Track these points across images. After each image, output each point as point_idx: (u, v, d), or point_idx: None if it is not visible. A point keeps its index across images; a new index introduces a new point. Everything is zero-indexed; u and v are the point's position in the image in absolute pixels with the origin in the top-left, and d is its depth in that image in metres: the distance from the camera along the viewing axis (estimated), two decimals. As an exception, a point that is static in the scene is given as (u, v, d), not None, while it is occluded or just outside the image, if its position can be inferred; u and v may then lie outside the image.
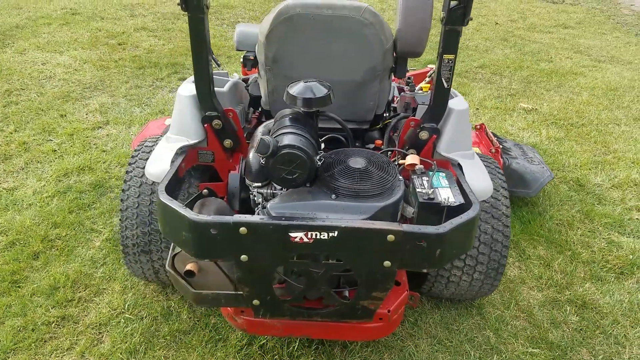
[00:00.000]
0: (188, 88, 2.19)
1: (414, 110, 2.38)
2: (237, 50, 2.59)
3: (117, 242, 2.95)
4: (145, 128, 3.55)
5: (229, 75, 2.53)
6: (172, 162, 2.01)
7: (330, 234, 1.58)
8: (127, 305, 2.53)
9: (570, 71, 6.34)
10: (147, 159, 2.35)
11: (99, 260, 2.83)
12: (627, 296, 2.76)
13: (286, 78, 2.24)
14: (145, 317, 2.46)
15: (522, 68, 6.37)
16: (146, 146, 2.45)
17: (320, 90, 1.84)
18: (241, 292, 1.84)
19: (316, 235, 1.58)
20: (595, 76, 6.21)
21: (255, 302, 1.85)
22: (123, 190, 2.28)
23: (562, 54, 7.06)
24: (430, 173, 1.98)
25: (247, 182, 1.99)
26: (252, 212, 2.30)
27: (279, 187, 1.94)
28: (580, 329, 2.54)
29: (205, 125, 2.14)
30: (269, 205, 1.72)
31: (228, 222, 1.57)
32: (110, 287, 2.65)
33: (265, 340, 2.34)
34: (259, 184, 1.96)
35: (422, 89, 3.02)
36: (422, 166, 2.01)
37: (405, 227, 1.58)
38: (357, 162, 1.84)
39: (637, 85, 5.98)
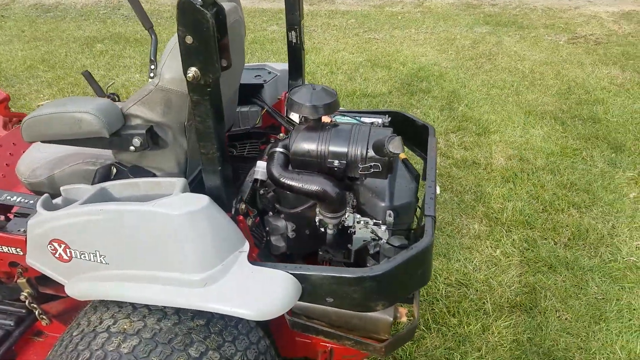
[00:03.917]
0: (193, 203, 1.34)
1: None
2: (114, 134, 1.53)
3: None
4: None
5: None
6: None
7: None
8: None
9: None
10: None
11: None
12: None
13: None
14: None
15: None
16: None
17: (331, 93, 1.61)
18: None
19: None
20: None
21: None
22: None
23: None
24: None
25: (332, 216, 1.57)
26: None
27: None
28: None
29: (239, 218, 1.52)
30: (385, 205, 1.56)
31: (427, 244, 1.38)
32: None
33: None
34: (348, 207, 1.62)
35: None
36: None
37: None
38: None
39: None
